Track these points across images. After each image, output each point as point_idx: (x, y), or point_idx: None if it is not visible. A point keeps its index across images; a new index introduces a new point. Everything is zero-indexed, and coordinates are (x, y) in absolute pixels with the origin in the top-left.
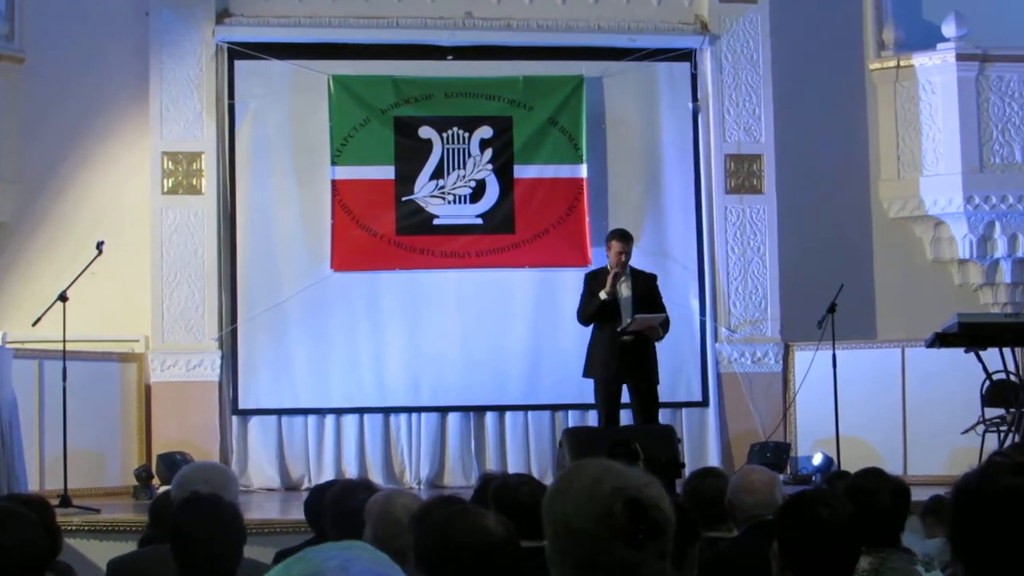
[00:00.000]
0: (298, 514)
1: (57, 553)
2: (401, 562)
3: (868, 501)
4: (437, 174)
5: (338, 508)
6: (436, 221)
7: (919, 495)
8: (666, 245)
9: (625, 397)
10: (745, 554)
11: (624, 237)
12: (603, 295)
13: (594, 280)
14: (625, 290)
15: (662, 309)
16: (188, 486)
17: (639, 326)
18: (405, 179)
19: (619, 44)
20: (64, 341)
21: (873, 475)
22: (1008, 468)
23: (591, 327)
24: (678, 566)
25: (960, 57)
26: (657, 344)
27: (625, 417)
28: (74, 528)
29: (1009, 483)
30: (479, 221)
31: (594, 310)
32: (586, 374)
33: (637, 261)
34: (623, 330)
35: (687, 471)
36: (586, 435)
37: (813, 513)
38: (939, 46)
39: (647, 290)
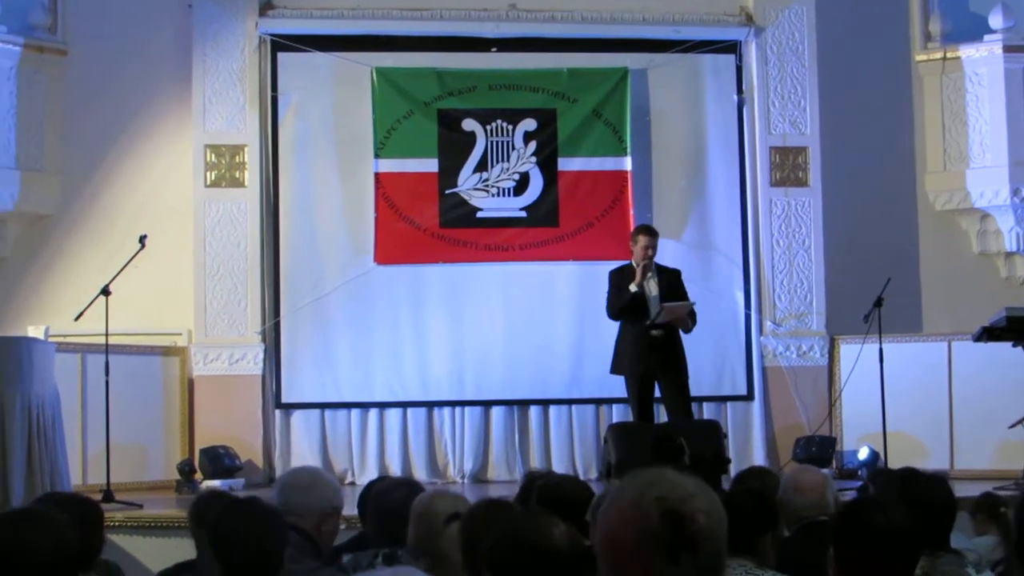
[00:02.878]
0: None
1: (98, 553)
2: (442, 563)
3: (919, 505)
4: (481, 167)
5: (377, 504)
6: (480, 214)
7: (966, 491)
8: (711, 238)
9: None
10: (796, 554)
11: (651, 232)
12: (633, 287)
13: (620, 276)
14: (653, 287)
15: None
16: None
17: (669, 316)
18: (448, 172)
19: (664, 36)
20: (107, 335)
21: (924, 480)
22: None
23: (618, 324)
24: (750, 552)
25: (1007, 49)
26: (701, 338)
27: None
28: (117, 524)
29: None
30: (523, 214)
31: (624, 304)
32: (615, 370)
33: (682, 253)
34: (652, 322)
35: (732, 466)
36: (631, 431)
37: (870, 520)
38: (986, 37)
39: (672, 285)
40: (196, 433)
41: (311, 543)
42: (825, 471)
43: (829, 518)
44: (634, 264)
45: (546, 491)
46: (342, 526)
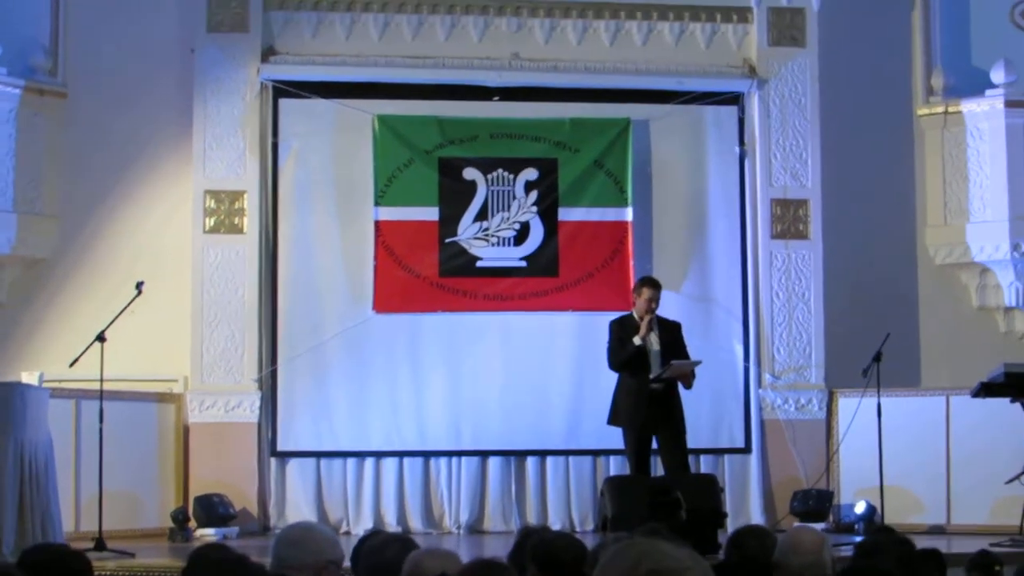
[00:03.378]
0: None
1: None
2: None
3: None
4: (481, 216)
5: (370, 561)
6: (479, 263)
7: (962, 546)
8: (711, 290)
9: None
10: None
11: (655, 285)
12: (637, 340)
13: (621, 327)
14: (654, 341)
15: (687, 357)
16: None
17: (674, 373)
18: (449, 220)
19: (666, 87)
20: (101, 381)
21: (921, 555)
22: None
23: (617, 375)
24: None
25: (1009, 104)
26: (700, 390)
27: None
28: (108, 573)
29: None
30: (523, 264)
31: (627, 356)
32: (612, 421)
33: (682, 305)
34: (657, 377)
35: (729, 520)
36: (628, 484)
37: None
38: (988, 92)
39: (673, 339)
40: (191, 481)
41: None
42: (822, 525)
43: None
44: (636, 316)
45: (539, 549)
46: None
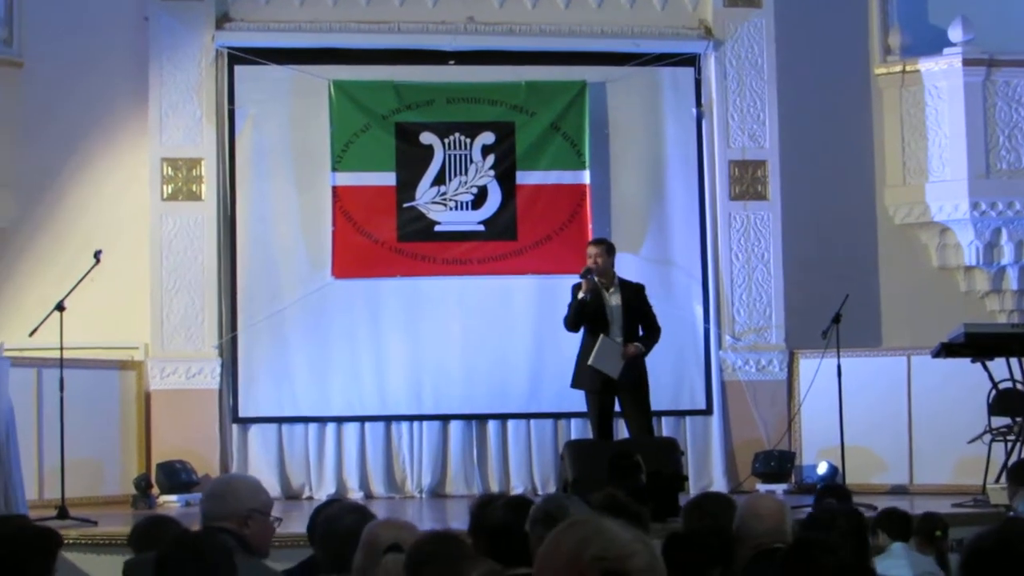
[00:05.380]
0: (298, 527)
1: None
2: None
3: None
4: (439, 180)
5: (325, 530)
6: (437, 228)
7: (925, 506)
8: (670, 252)
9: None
10: None
11: (597, 242)
12: (581, 295)
13: (577, 289)
14: (614, 299)
15: (652, 319)
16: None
17: (631, 354)
18: (406, 185)
19: (622, 49)
20: (61, 349)
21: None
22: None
23: (580, 338)
24: None
25: (966, 62)
26: (660, 352)
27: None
28: (71, 541)
29: None
30: (481, 228)
31: (574, 313)
32: (575, 384)
33: (641, 267)
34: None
35: (690, 482)
36: (588, 448)
37: (819, 560)
38: (945, 51)
39: (636, 300)
40: (153, 448)
41: (241, 543)
42: (783, 486)
43: (784, 546)
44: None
45: (492, 521)
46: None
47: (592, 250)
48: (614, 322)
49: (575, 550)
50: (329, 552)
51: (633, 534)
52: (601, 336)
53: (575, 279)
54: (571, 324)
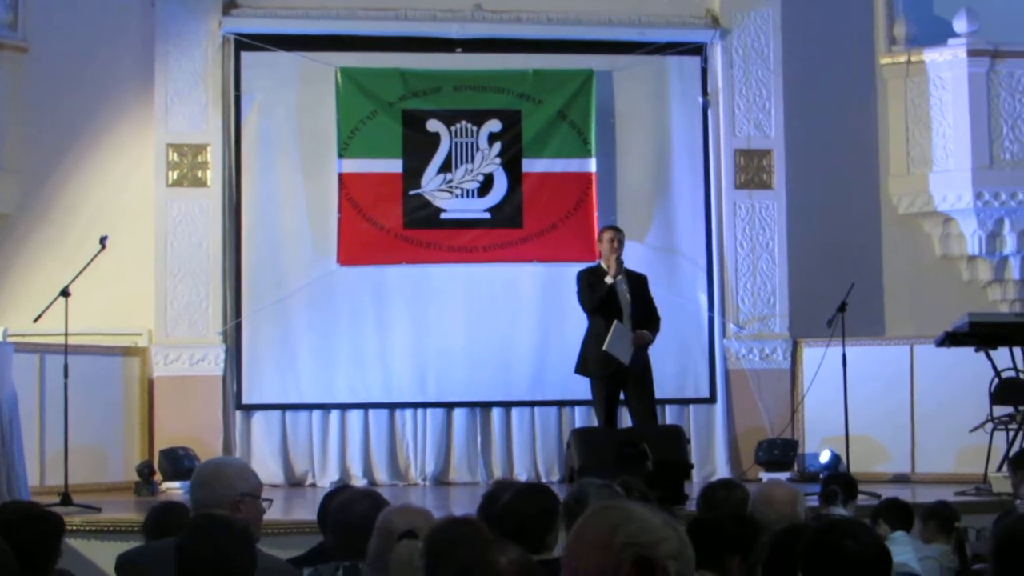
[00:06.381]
0: (302, 514)
1: (52, 564)
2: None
3: None
4: (445, 168)
5: (338, 517)
6: (443, 215)
7: (926, 495)
8: (675, 240)
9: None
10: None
11: (615, 228)
12: (609, 279)
13: (591, 274)
14: (625, 289)
15: (654, 310)
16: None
17: (639, 342)
18: (412, 173)
19: (629, 38)
20: (66, 335)
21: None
22: None
23: (585, 325)
24: (719, 569)
25: (971, 53)
26: (664, 340)
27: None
28: (75, 528)
29: None
30: (487, 215)
31: (601, 295)
32: (580, 370)
33: (646, 256)
34: (609, 351)
35: (695, 470)
36: (594, 436)
37: (841, 546)
38: (950, 41)
39: (641, 290)
40: (156, 434)
41: None
42: (786, 474)
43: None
44: (603, 265)
45: (508, 508)
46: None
47: (618, 235)
48: (625, 308)
49: (606, 535)
50: (341, 539)
51: (662, 519)
52: (616, 322)
53: (580, 267)
54: (595, 307)
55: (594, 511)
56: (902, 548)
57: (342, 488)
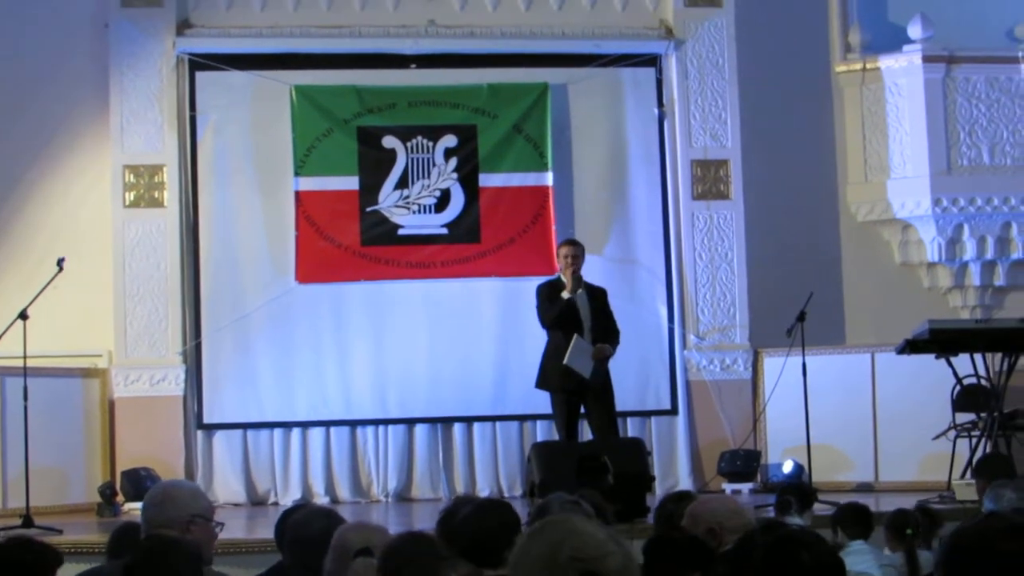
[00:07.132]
0: (264, 533)
1: None
2: None
3: None
4: (401, 184)
5: (295, 535)
6: (401, 231)
7: (891, 503)
8: (633, 252)
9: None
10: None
11: (572, 242)
12: (566, 294)
13: (550, 288)
14: (584, 302)
15: (613, 324)
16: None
17: (599, 356)
18: (369, 189)
19: (583, 50)
20: (25, 358)
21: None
22: (1005, 530)
23: (545, 339)
24: None
25: (926, 59)
26: (625, 352)
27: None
28: None
29: (1007, 547)
30: (444, 231)
31: (558, 310)
32: (540, 385)
33: (604, 268)
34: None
35: (657, 482)
36: (555, 450)
37: (795, 557)
38: (905, 48)
39: (601, 304)
40: (117, 455)
41: None
42: (749, 485)
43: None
44: (563, 278)
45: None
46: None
47: (573, 250)
48: (584, 323)
49: (551, 551)
50: (298, 557)
51: (607, 534)
52: (576, 336)
53: (539, 280)
54: (553, 321)
55: (538, 526)
56: (861, 557)
57: (298, 507)
